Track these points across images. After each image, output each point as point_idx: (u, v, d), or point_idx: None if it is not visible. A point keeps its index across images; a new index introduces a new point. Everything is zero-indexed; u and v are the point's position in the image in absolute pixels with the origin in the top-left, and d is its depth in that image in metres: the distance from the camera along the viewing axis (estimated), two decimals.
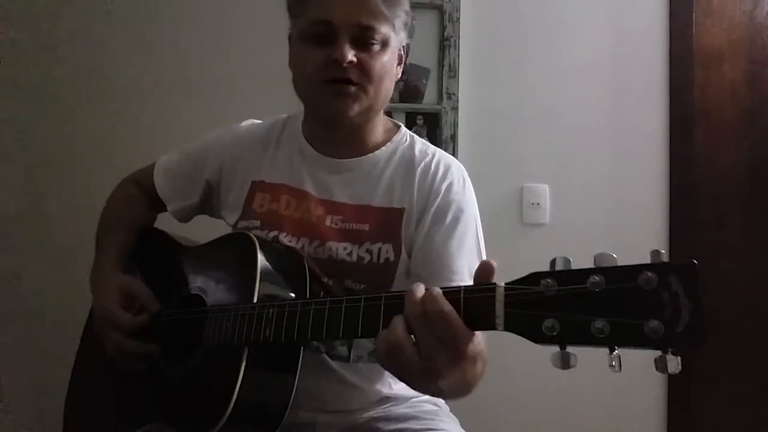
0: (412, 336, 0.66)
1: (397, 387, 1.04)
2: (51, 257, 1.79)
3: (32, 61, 1.84)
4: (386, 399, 1.04)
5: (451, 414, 1.10)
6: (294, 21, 1.03)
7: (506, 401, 1.81)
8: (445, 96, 1.85)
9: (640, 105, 1.89)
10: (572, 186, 1.87)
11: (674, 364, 0.54)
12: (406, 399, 1.05)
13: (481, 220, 1.06)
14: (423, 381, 0.69)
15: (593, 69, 1.89)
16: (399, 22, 1.00)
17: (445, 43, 1.85)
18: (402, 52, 1.06)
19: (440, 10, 1.85)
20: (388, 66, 1.00)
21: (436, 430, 0.99)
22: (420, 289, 0.68)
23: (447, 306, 0.65)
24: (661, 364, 0.54)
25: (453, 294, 0.66)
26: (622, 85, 1.89)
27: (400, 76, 1.07)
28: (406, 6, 1.01)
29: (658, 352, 0.55)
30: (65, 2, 1.84)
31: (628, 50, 1.89)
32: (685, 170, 1.88)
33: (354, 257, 0.98)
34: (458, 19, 1.85)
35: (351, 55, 0.95)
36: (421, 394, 1.07)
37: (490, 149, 1.88)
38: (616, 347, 0.57)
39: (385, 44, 0.98)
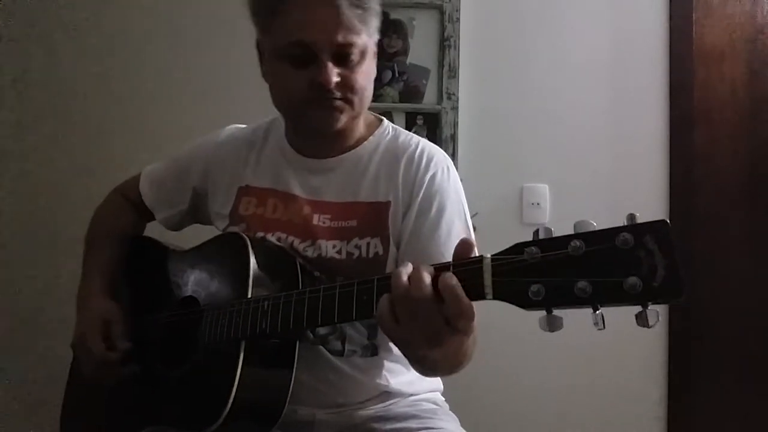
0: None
1: (396, 382, 1.04)
2: (51, 257, 1.79)
3: (31, 61, 1.85)
4: (386, 395, 1.03)
5: (450, 413, 1.10)
6: (263, 34, 1.02)
7: (506, 400, 1.81)
8: (445, 96, 1.85)
9: (640, 105, 1.89)
10: (572, 186, 1.87)
11: (654, 317, 0.57)
12: (406, 396, 1.05)
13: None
14: (416, 347, 0.72)
15: (593, 69, 1.89)
16: (373, 28, 0.99)
17: (445, 43, 1.85)
18: (375, 48, 1.05)
19: (440, 10, 1.86)
20: (369, 73, 1.01)
21: (435, 429, 0.99)
22: (407, 269, 0.70)
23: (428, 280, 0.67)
24: (641, 319, 0.58)
25: (442, 269, 0.69)
26: (622, 85, 1.89)
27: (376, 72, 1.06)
28: (377, 7, 0.99)
29: (639, 308, 0.58)
30: (65, 2, 1.85)
31: (628, 50, 1.89)
32: (685, 170, 1.88)
33: (343, 254, 0.99)
34: (458, 19, 1.86)
35: (335, 76, 0.94)
36: (421, 392, 1.07)
37: (490, 149, 1.88)
38: (599, 306, 0.60)
39: (363, 54, 0.97)
